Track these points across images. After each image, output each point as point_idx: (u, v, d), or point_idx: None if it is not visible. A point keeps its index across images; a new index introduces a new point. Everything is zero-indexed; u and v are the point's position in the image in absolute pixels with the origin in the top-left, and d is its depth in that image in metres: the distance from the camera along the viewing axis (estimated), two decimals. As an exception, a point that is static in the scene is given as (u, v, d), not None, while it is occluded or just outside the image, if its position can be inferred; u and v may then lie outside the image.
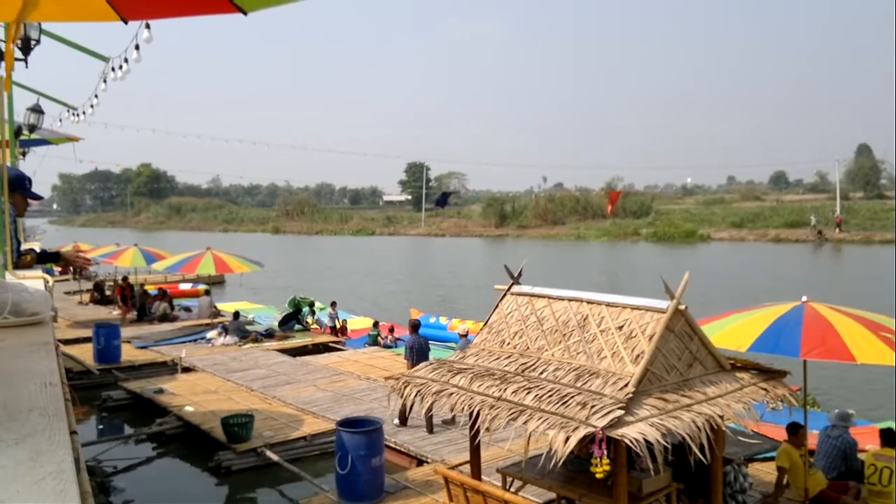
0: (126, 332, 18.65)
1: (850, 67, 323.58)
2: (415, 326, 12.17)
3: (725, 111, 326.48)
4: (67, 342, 18.31)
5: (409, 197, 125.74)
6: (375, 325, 19.77)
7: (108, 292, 27.12)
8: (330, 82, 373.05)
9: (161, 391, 13.74)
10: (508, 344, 7.29)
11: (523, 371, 6.71)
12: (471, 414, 6.81)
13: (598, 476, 5.63)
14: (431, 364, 7.52)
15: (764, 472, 9.12)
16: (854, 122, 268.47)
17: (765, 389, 6.82)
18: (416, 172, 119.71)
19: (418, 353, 11.39)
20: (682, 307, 6.42)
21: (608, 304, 6.80)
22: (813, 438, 9.01)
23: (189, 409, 12.60)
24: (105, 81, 13.28)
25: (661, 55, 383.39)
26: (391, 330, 19.89)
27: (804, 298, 7.85)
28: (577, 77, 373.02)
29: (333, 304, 21.65)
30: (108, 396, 14.19)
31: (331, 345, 19.16)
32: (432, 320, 20.36)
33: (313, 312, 21.83)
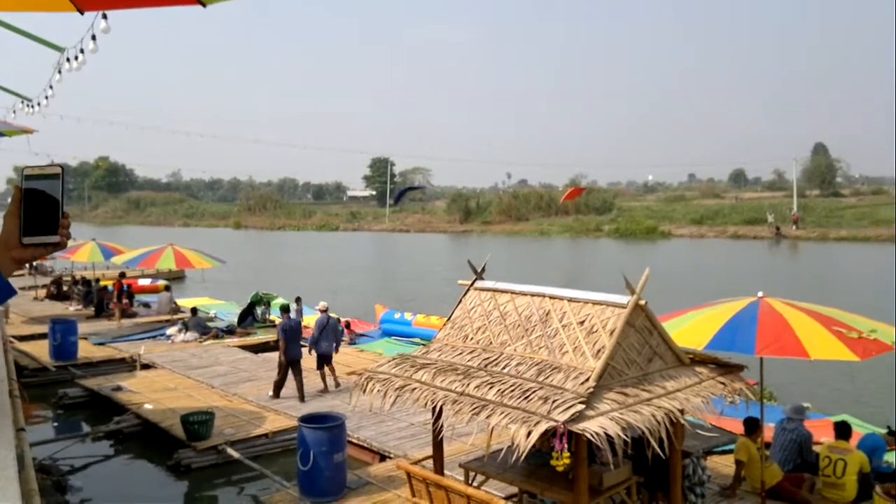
0: (83, 328, 18.30)
1: (807, 68, 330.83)
2: (285, 309, 13.88)
3: (686, 110, 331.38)
4: (22, 338, 17.91)
5: (374, 192, 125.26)
6: (337, 321, 19.59)
7: (64, 288, 26.62)
8: (294, 77, 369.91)
9: (119, 388, 13.50)
10: (471, 339, 7.29)
11: (486, 366, 6.73)
12: (434, 409, 6.82)
13: (558, 470, 5.68)
14: (395, 359, 7.49)
15: (722, 465, 9.28)
16: (811, 121, 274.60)
17: (723, 383, 6.92)
18: (380, 168, 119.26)
19: (291, 333, 12.82)
20: (642, 302, 6.49)
21: (570, 300, 6.84)
22: (769, 431, 9.19)
23: (148, 406, 12.40)
24: (60, 72, 12.95)
25: (623, 57, 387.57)
26: (347, 325, 19.69)
27: (760, 294, 7.99)
28: (541, 76, 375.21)
29: (298, 300, 21.45)
30: (64, 394, 13.89)
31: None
32: (397, 316, 20.24)
33: (268, 304, 21.57)
